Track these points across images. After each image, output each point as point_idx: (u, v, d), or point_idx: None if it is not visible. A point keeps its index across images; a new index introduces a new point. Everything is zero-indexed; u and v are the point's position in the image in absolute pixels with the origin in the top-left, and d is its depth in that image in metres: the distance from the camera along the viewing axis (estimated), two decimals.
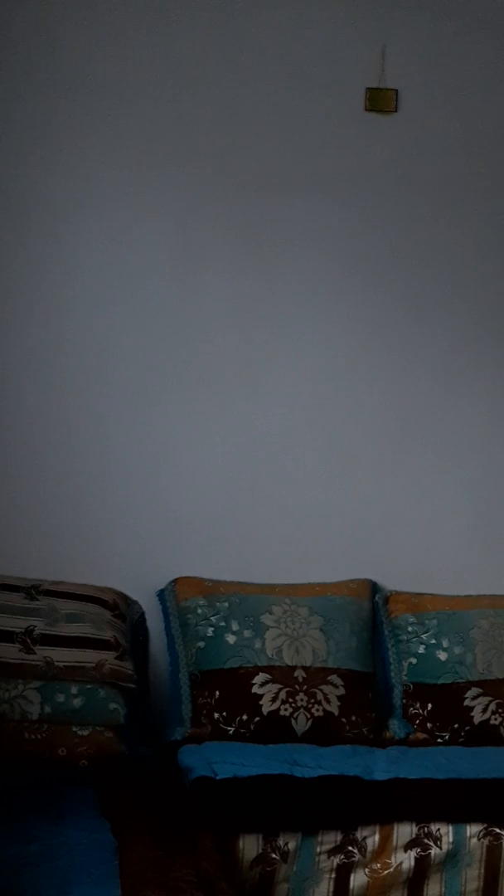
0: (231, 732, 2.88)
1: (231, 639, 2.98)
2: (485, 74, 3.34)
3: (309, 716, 2.93)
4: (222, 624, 3.00)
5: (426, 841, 2.50)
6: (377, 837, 2.49)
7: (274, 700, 2.92)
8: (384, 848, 2.49)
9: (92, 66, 3.10)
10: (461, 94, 3.33)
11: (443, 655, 3.09)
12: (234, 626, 3.00)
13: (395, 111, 3.27)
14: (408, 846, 2.50)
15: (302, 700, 2.94)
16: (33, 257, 3.10)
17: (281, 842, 2.45)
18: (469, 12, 3.28)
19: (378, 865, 2.49)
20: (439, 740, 3.02)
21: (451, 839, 2.51)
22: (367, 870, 2.48)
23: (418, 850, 2.50)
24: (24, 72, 3.06)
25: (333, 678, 3.00)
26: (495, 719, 3.03)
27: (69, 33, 3.08)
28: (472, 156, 3.34)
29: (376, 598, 3.23)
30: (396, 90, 3.26)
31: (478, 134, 3.35)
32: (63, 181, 3.09)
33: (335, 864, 2.47)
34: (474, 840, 2.52)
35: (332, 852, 2.47)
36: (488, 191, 3.35)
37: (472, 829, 2.53)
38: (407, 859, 2.49)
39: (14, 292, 3.09)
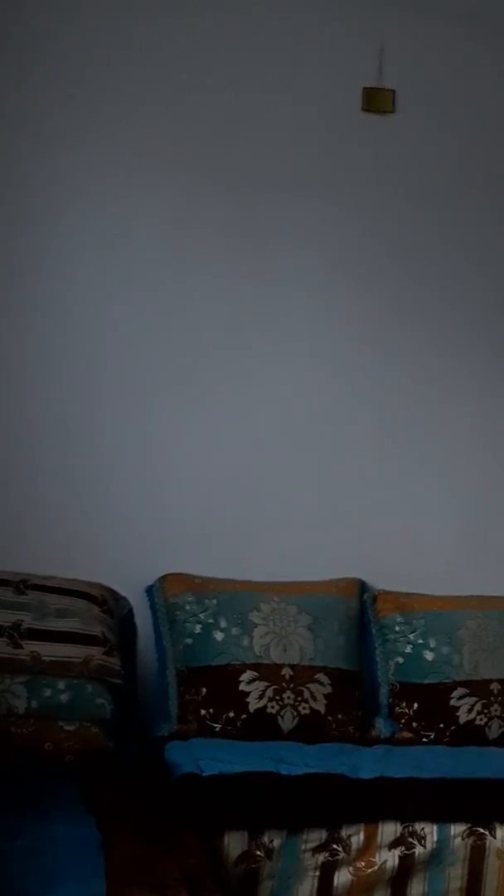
0: (218, 729, 2.89)
1: (219, 636, 2.98)
2: (483, 75, 3.35)
3: (295, 714, 2.94)
4: (210, 621, 3.00)
5: (410, 840, 2.51)
6: (362, 836, 2.50)
7: (261, 697, 2.92)
8: (369, 846, 2.50)
9: (89, 67, 3.09)
10: (458, 95, 3.33)
11: (430, 655, 3.11)
12: (222, 624, 3.00)
13: (392, 112, 3.27)
14: (392, 845, 2.50)
15: (289, 698, 2.94)
16: (30, 258, 3.09)
17: (266, 839, 2.45)
18: (468, 13, 3.28)
19: (362, 864, 2.49)
20: (424, 740, 3.03)
21: (435, 838, 2.52)
22: (351, 868, 2.49)
23: (402, 848, 2.50)
24: (21, 72, 3.05)
25: (320, 676, 3.00)
26: (481, 719, 3.04)
27: (67, 33, 3.07)
28: (469, 157, 3.35)
29: (364, 598, 3.24)
30: (393, 91, 3.26)
31: (475, 135, 3.36)
32: (59, 183, 3.08)
33: (319, 861, 2.47)
34: (458, 840, 2.53)
35: (316, 850, 2.47)
36: (485, 193, 3.36)
37: (457, 829, 2.54)
38: (391, 858, 2.50)
39: (12, 291, 3.08)
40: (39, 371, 3.10)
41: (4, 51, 3.04)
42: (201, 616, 3.01)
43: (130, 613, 3.05)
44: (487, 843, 2.54)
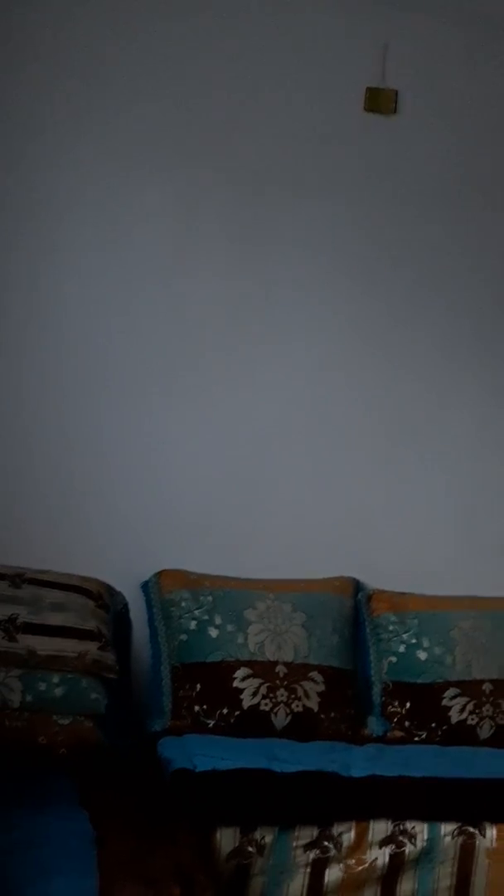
0: (211, 725, 2.90)
1: (214, 632, 2.99)
2: (485, 75, 3.36)
3: (289, 711, 2.95)
4: (205, 617, 3.01)
5: (401, 838, 2.52)
6: (353, 833, 2.51)
7: (254, 694, 2.93)
8: (359, 844, 2.51)
9: (90, 67, 3.09)
10: (461, 96, 3.34)
11: (423, 655, 3.12)
12: (218, 620, 3.01)
13: (395, 112, 3.27)
14: (383, 843, 2.51)
15: (282, 695, 2.95)
16: (30, 258, 3.09)
17: (257, 835, 2.46)
18: (471, 13, 3.28)
19: (353, 861, 2.50)
20: (416, 739, 3.05)
21: (425, 837, 2.53)
22: (341, 865, 2.50)
23: (393, 846, 2.51)
24: (23, 70, 3.04)
25: (314, 674, 3.01)
26: (472, 719, 3.06)
27: (69, 32, 3.07)
28: (472, 157, 3.36)
29: (359, 596, 3.25)
30: (396, 91, 3.26)
31: (478, 136, 3.36)
32: (59, 183, 3.08)
33: (311, 858, 2.48)
34: (448, 838, 2.54)
35: (307, 847, 2.48)
36: (486, 194, 3.37)
37: (447, 828, 2.55)
38: (381, 856, 2.51)
39: (12, 291, 3.08)
40: (39, 367, 3.10)
41: (5, 48, 3.03)
42: (196, 612, 3.02)
43: (126, 609, 3.06)
44: (477, 843, 2.55)
